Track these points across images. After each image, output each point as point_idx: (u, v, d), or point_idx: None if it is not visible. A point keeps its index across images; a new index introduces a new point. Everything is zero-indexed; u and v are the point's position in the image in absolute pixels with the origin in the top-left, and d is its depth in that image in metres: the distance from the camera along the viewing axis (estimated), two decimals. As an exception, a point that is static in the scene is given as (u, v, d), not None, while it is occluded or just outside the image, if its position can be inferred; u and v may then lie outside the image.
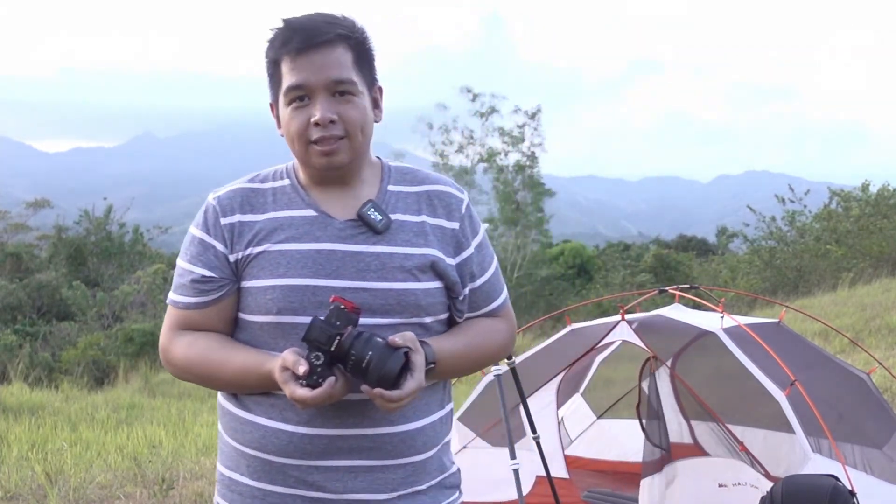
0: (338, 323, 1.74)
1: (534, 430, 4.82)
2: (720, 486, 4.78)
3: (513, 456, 4.26)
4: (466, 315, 2.02)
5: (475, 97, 34.67)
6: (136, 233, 36.39)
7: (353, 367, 1.74)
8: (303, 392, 1.73)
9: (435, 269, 1.91)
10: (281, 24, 1.90)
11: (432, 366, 1.85)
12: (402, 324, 1.87)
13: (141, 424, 9.49)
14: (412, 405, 1.87)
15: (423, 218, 1.95)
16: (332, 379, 1.73)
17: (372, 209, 1.91)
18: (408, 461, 1.91)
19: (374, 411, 1.84)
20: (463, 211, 2.00)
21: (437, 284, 1.92)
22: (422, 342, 1.83)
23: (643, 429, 5.65)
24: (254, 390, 1.89)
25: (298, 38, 1.86)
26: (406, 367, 1.75)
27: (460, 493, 2.09)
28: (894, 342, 11.21)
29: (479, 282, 2.01)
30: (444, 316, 1.97)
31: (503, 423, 4.33)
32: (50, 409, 10.86)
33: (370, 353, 1.72)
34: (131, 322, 23.26)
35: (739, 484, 4.71)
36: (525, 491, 4.68)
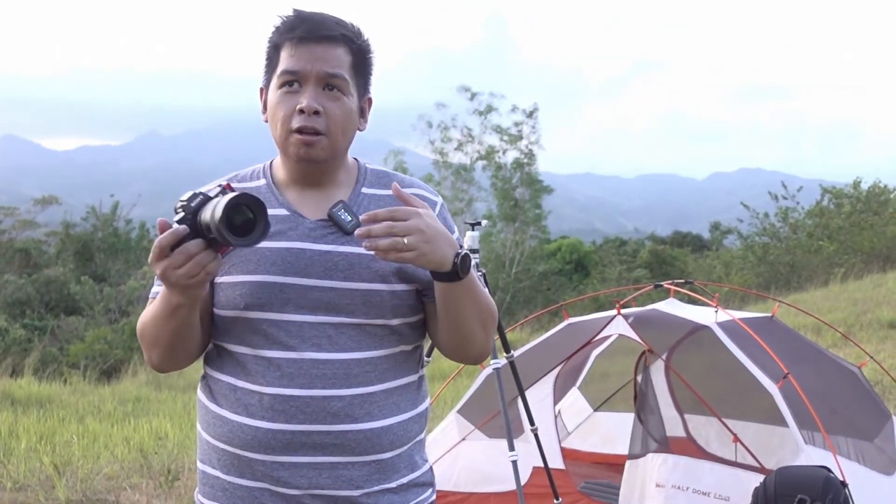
0: (209, 195, 1.68)
1: (532, 423, 4.82)
2: (657, 485, 4.77)
3: (511, 448, 4.26)
4: None
5: (473, 96, 34.66)
6: (143, 229, 36.42)
7: (208, 233, 1.65)
8: (378, 211, 1.71)
9: (403, 272, 1.89)
10: (291, 13, 1.91)
11: (468, 253, 1.81)
12: (368, 324, 1.87)
13: (147, 417, 9.48)
14: (378, 404, 1.87)
15: None
16: (181, 227, 1.66)
17: (342, 210, 1.90)
18: (372, 458, 1.89)
19: (336, 408, 1.84)
20: (436, 213, 1.97)
21: (404, 287, 1.91)
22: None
23: (640, 420, 5.65)
24: (166, 316, 1.82)
25: (304, 28, 1.87)
26: (261, 219, 1.64)
27: (433, 490, 2.06)
28: (885, 336, 11.22)
29: None
30: (413, 318, 1.95)
31: (502, 415, 4.33)
32: (58, 401, 10.85)
33: (209, 210, 1.64)
34: (137, 316, 23.26)
35: (677, 487, 4.71)
36: (522, 482, 4.68)
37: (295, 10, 1.91)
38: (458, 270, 1.78)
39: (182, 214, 1.67)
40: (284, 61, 1.88)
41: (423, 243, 1.71)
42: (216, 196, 1.68)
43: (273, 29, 1.93)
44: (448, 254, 1.76)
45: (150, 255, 1.68)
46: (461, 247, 1.84)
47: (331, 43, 1.88)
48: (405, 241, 1.69)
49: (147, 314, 1.90)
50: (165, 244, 1.66)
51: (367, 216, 1.72)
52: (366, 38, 1.94)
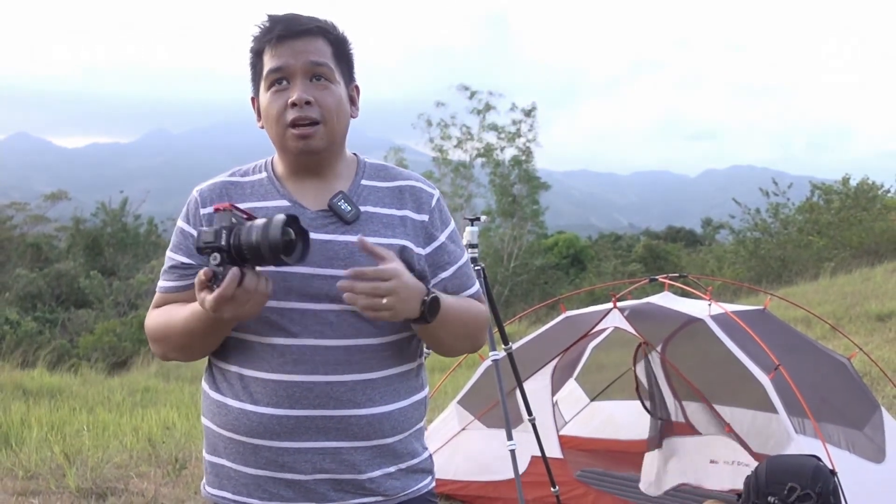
0: (222, 224, 1.71)
1: (529, 413, 4.82)
2: (711, 462, 4.77)
3: (510, 437, 4.25)
4: None
5: (472, 94, 34.61)
6: (151, 224, 36.46)
7: (252, 255, 1.68)
8: (210, 295, 1.69)
9: (402, 257, 1.90)
10: (265, 19, 1.94)
11: (436, 297, 1.84)
12: None
13: (155, 407, 9.49)
14: (379, 390, 1.89)
15: (393, 210, 1.95)
16: (234, 269, 1.69)
17: (342, 200, 1.91)
18: (375, 444, 1.90)
19: (339, 393, 1.85)
20: (433, 205, 2.00)
21: None
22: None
23: (645, 407, 5.64)
24: (206, 334, 1.86)
25: (280, 27, 1.89)
26: (299, 236, 1.70)
27: (433, 478, 2.07)
28: (873, 329, 11.23)
29: (450, 271, 2.00)
30: None
31: (501, 405, 4.32)
32: (68, 392, 10.86)
33: (254, 234, 1.67)
34: (146, 309, 23.27)
35: (736, 462, 4.71)
36: (520, 470, 4.68)
37: (268, 16, 1.93)
38: (426, 317, 1.84)
39: (217, 256, 1.69)
40: (269, 62, 1.90)
41: (397, 303, 1.76)
42: (240, 222, 1.71)
43: (252, 38, 1.94)
44: (416, 307, 1.81)
45: (212, 305, 1.70)
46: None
47: (309, 36, 1.90)
48: (384, 301, 1.74)
49: (175, 323, 1.89)
50: (229, 293, 1.68)
51: (353, 272, 1.75)
52: (341, 30, 1.96)
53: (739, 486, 4.06)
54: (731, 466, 4.70)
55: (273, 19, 1.91)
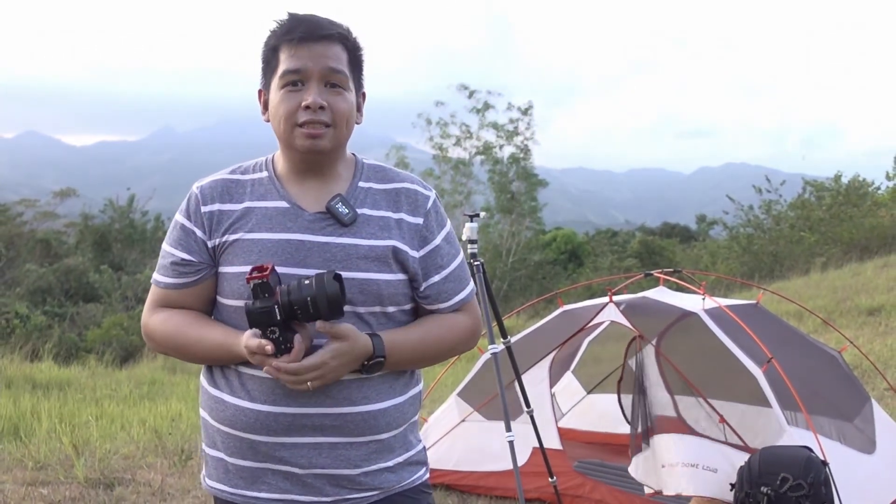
0: (266, 295, 1.74)
1: (528, 405, 4.81)
2: (662, 466, 4.75)
3: (508, 429, 4.25)
4: (433, 307, 1.99)
5: (471, 94, 34.57)
6: (157, 220, 36.49)
7: (305, 315, 1.74)
8: (289, 365, 1.76)
9: (397, 259, 1.90)
10: (286, 16, 1.92)
11: (381, 359, 1.86)
12: (366, 312, 1.88)
13: (162, 399, 9.48)
14: (375, 388, 1.89)
15: (389, 213, 1.94)
16: (297, 338, 1.76)
17: (340, 203, 1.91)
18: (370, 439, 1.90)
19: (335, 391, 1.85)
20: (428, 207, 1.99)
21: (399, 276, 1.91)
22: (372, 335, 1.86)
23: (620, 405, 5.65)
24: (228, 363, 1.92)
25: (302, 29, 1.88)
26: (343, 287, 1.77)
27: (426, 469, 2.07)
28: (864, 322, 11.21)
29: (442, 274, 1.99)
30: (407, 306, 1.96)
31: (500, 398, 4.32)
32: (77, 385, 10.84)
33: (307, 294, 1.72)
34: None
35: (673, 465, 4.68)
36: (521, 462, 4.67)
37: (289, 14, 1.92)
38: (363, 372, 1.87)
39: (276, 329, 1.75)
40: (286, 62, 1.88)
41: (325, 380, 1.80)
42: (275, 284, 1.76)
43: (269, 33, 1.93)
44: (353, 366, 1.84)
45: (256, 360, 1.78)
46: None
47: (329, 41, 1.89)
48: (308, 384, 1.79)
49: (193, 348, 1.92)
50: (300, 362, 1.78)
51: (270, 372, 1.79)
52: (355, 36, 1.95)
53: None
54: (678, 469, 4.67)
55: (295, 19, 1.90)
